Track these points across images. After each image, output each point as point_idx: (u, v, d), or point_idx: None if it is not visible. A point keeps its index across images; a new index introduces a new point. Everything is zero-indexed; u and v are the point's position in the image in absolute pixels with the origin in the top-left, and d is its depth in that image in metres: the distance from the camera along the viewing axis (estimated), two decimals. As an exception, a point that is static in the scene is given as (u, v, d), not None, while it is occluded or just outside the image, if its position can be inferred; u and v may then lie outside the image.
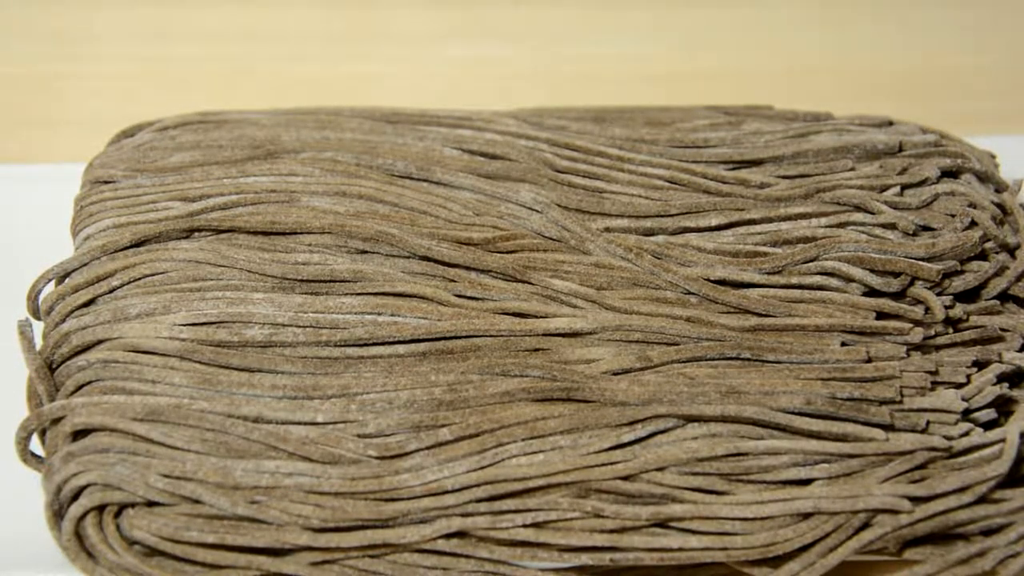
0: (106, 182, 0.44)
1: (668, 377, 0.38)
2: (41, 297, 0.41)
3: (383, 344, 0.39)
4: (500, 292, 0.41)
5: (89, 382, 0.38)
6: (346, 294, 0.40)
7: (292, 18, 0.65)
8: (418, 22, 0.64)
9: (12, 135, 0.57)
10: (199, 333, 0.39)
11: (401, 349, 0.39)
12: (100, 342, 0.39)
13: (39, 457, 0.39)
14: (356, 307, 0.40)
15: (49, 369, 0.39)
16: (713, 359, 0.39)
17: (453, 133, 0.46)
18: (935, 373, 0.39)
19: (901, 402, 0.38)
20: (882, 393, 0.38)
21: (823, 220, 0.42)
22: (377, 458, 0.37)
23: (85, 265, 0.41)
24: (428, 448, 0.37)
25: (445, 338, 0.39)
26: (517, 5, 0.64)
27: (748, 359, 0.39)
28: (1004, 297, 0.42)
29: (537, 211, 0.43)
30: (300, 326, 0.39)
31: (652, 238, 0.42)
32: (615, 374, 0.39)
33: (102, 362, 0.38)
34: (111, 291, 0.40)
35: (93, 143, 0.47)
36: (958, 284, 0.41)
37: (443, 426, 0.37)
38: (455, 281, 0.41)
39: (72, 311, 0.40)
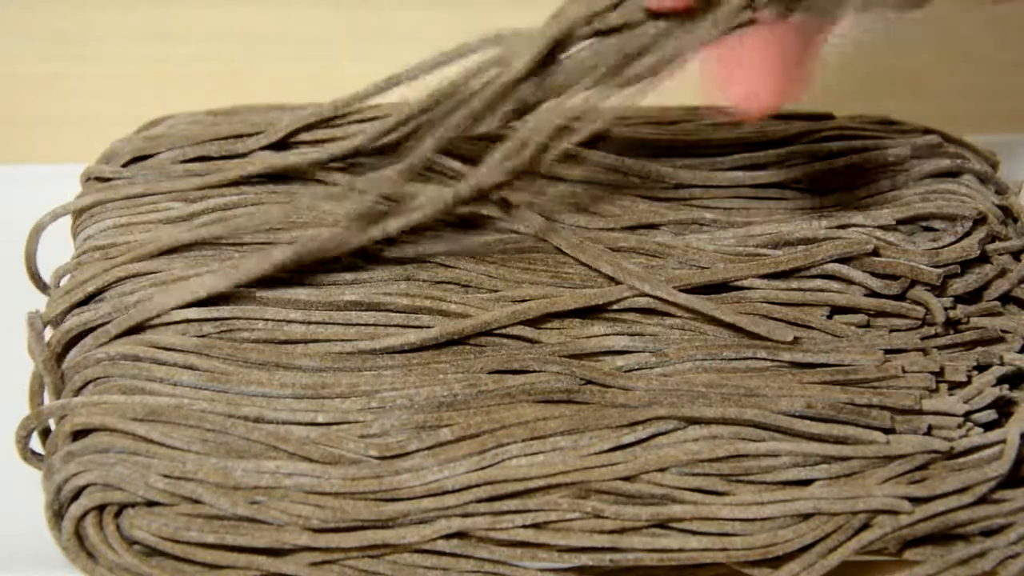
0: (107, 180, 0.44)
1: (680, 377, 0.39)
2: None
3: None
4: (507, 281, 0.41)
5: (97, 378, 0.38)
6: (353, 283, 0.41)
7: (292, 18, 0.64)
8: (418, 22, 0.64)
9: (12, 135, 0.57)
10: (216, 327, 0.39)
11: (413, 336, 0.39)
12: (112, 338, 0.39)
13: (40, 455, 0.39)
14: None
15: (56, 364, 0.39)
16: (729, 358, 0.39)
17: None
18: (940, 373, 0.39)
19: (921, 411, 0.38)
20: (901, 401, 0.38)
21: (824, 222, 0.42)
22: (378, 458, 0.37)
23: (87, 264, 0.41)
24: (429, 448, 0.37)
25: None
26: (516, 5, 0.64)
27: (763, 358, 0.39)
28: (1005, 299, 0.41)
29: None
30: (313, 322, 0.39)
31: (653, 238, 0.42)
32: (629, 371, 0.39)
33: (111, 358, 0.38)
34: (117, 283, 0.40)
35: (93, 143, 0.47)
36: (958, 286, 0.41)
37: (444, 426, 0.37)
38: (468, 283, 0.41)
39: (78, 305, 0.40)
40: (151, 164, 0.44)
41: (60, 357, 0.39)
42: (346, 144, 0.43)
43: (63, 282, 0.41)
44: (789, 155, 0.44)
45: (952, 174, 0.44)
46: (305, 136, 0.44)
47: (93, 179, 0.44)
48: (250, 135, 0.44)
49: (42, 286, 0.43)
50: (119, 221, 0.42)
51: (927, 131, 0.46)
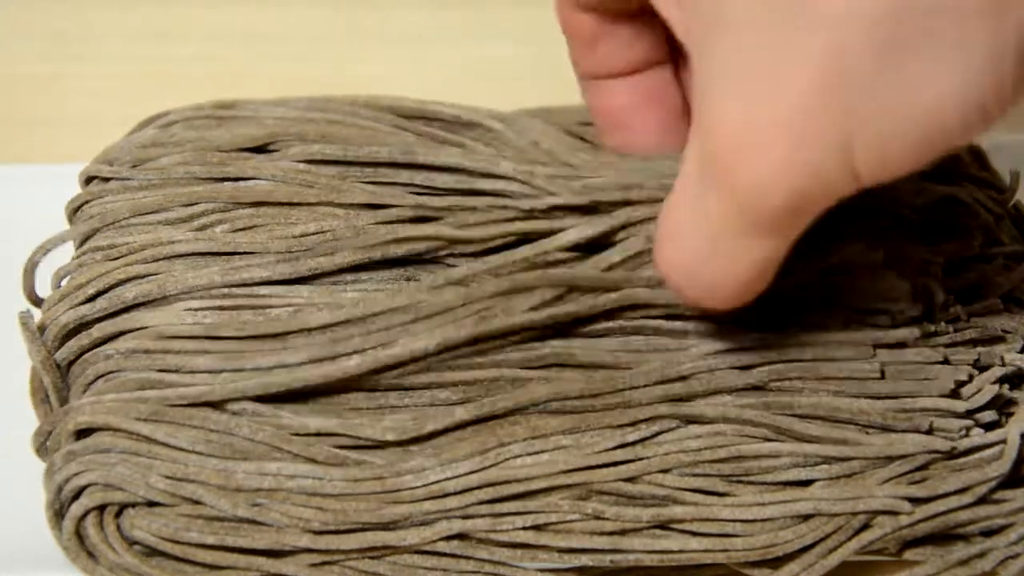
0: (106, 179, 0.44)
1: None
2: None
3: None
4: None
5: (109, 372, 0.38)
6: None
7: (292, 18, 0.65)
8: (418, 22, 0.64)
9: (12, 135, 0.57)
10: (221, 317, 0.39)
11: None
12: (119, 333, 0.39)
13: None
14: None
15: (56, 362, 0.39)
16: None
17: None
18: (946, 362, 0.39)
19: (922, 410, 0.38)
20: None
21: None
22: (395, 442, 0.37)
23: (87, 266, 0.41)
24: (443, 430, 0.37)
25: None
26: (517, 5, 0.64)
27: None
28: (1006, 298, 0.41)
29: (519, 180, 0.42)
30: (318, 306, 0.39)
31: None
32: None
33: (120, 353, 0.38)
34: (117, 285, 0.40)
35: (93, 143, 0.47)
36: (959, 285, 0.41)
37: (458, 404, 0.37)
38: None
39: (77, 304, 0.40)
40: (151, 165, 0.44)
41: (70, 356, 0.39)
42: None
43: (63, 283, 0.41)
44: None
45: (951, 175, 0.44)
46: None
47: (91, 179, 0.44)
48: (247, 151, 0.43)
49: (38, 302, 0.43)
50: (119, 222, 0.42)
51: None
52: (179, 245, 0.40)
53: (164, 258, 0.40)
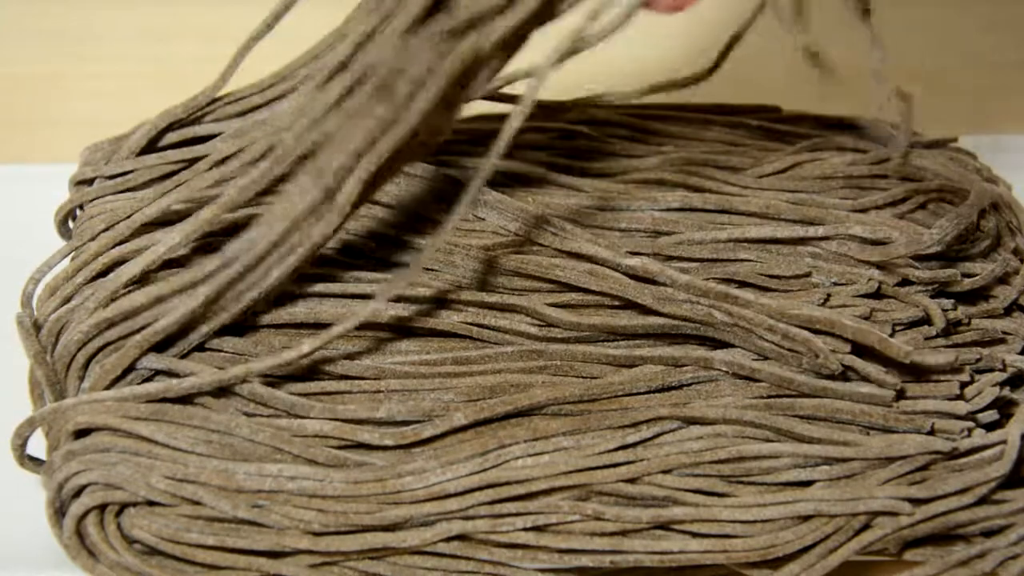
0: (89, 181, 0.44)
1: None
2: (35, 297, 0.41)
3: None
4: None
5: (95, 352, 0.38)
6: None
7: (292, 18, 0.64)
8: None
9: (12, 135, 0.57)
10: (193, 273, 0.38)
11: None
12: (91, 314, 0.39)
13: (38, 460, 0.39)
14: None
15: (48, 356, 0.39)
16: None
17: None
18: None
19: (923, 411, 0.38)
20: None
21: (820, 230, 0.42)
22: (393, 447, 0.37)
23: (70, 266, 0.41)
24: (442, 435, 0.37)
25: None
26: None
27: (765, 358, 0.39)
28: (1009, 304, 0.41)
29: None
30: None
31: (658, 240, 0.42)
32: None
33: (96, 326, 0.38)
34: (105, 273, 0.40)
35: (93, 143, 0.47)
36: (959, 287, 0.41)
37: (457, 411, 0.37)
38: None
39: (67, 298, 0.40)
40: (127, 157, 0.44)
41: (60, 352, 0.39)
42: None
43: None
44: (794, 163, 0.44)
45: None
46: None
47: (79, 183, 0.44)
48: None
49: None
50: (110, 219, 0.42)
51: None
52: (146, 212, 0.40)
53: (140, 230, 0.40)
